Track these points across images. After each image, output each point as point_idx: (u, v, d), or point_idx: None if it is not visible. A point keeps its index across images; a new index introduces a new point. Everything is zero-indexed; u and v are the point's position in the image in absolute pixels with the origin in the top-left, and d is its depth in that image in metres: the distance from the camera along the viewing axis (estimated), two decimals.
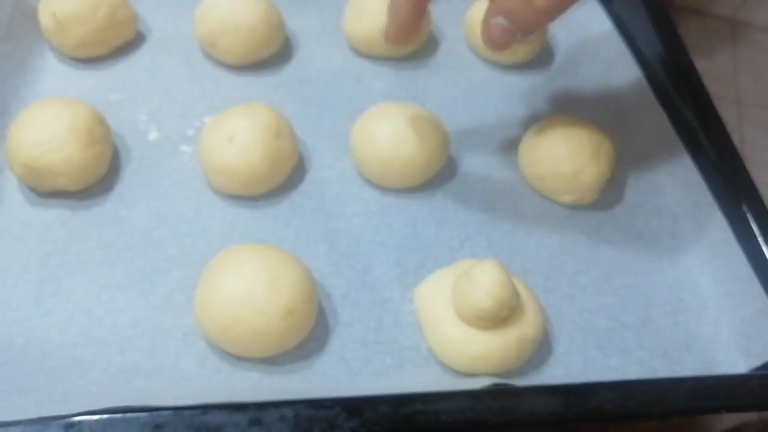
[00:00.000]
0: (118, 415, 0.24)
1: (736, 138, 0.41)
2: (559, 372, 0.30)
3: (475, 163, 0.37)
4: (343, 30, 0.41)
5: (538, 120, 0.36)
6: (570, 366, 0.30)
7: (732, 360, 0.30)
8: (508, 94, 0.40)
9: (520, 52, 0.41)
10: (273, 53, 0.40)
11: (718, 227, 0.33)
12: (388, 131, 0.34)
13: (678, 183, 0.36)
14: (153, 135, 0.36)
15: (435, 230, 0.34)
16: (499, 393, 0.26)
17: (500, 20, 0.28)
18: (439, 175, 0.36)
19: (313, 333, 0.30)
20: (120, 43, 0.39)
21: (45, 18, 0.37)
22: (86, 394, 0.27)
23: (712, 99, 0.37)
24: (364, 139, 0.34)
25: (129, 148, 0.36)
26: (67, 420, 0.24)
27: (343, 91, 0.39)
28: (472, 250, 0.33)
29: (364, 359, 0.29)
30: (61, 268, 0.31)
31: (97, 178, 0.34)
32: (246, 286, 0.28)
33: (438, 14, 0.43)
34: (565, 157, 0.34)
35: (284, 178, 0.35)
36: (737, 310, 0.31)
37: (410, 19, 0.29)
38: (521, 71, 0.42)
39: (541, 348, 0.30)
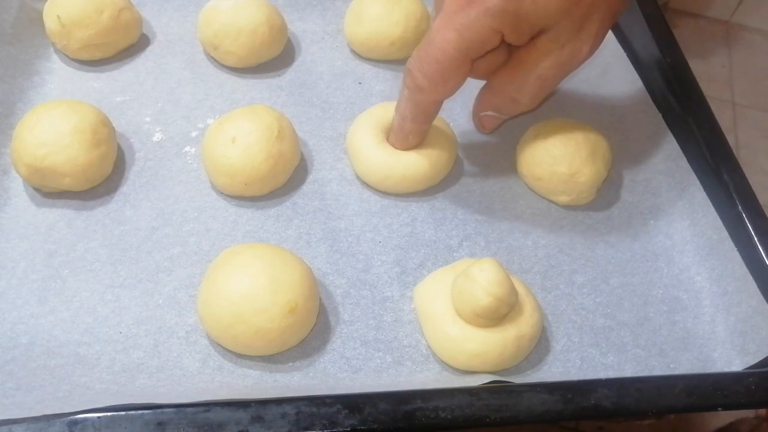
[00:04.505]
0: (122, 413, 0.24)
1: (731, 139, 0.42)
2: (556, 369, 0.30)
3: (474, 164, 0.37)
4: (344, 33, 0.42)
5: (535, 122, 0.37)
6: (567, 364, 0.30)
7: (728, 358, 0.31)
8: None
9: None
10: (275, 56, 0.40)
11: (713, 227, 0.34)
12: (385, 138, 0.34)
13: (673, 183, 0.37)
14: (157, 136, 0.37)
15: (434, 230, 0.34)
16: (497, 390, 0.26)
17: (490, 113, 0.33)
18: None
19: (314, 331, 0.30)
20: (124, 45, 0.40)
21: (50, 21, 0.38)
22: (90, 392, 0.27)
23: (707, 100, 0.37)
24: (362, 144, 0.35)
25: (133, 149, 0.36)
26: (71, 417, 0.24)
27: (344, 93, 0.40)
28: (470, 249, 0.34)
29: (364, 357, 0.30)
30: (66, 267, 0.31)
31: (102, 178, 0.34)
32: (248, 284, 0.28)
33: None
34: (562, 158, 0.34)
35: (286, 179, 0.35)
36: (733, 309, 0.32)
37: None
38: None
39: (539, 346, 0.30)
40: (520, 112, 0.33)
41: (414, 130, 0.33)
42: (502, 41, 0.29)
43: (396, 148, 0.34)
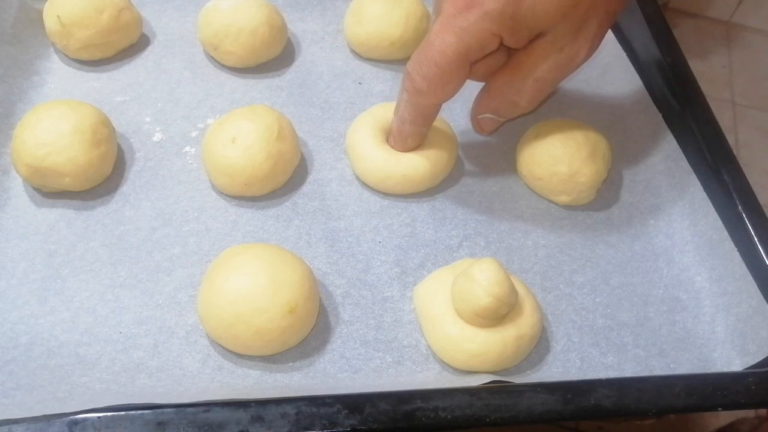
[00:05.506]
0: (122, 413, 0.24)
1: (731, 139, 0.42)
2: (556, 370, 0.30)
3: (474, 164, 0.37)
4: (344, 33, 0.42)
5: (535, 122, 0.37)
6: (567, 364, 0.30)
7: (728, 358, 0.31)
8: None
9: None
10: (275, 56, 0.40)
11: (713, 227, 0.34)
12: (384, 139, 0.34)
13: (673, 183, 0.37)
14: (157, 136, 0.37)
15: (434, 230, 0.34)
16: (497, 390, 0.26)
17: (489, 115, 0.33)
18: None
19: (314, 331, 0.30)
20: (124, 45, 0.40)
21: (50, 21, 0.38)
22: (90, 392, 0.27)
23: (707, 100, 0.37)
24: (362, 145, 0.35)
25: (133, 149, 0.36)
26: (71, 417, 0.24)
27: (344, 93, 0.40)
28: (470, 249, 0.34)
29: (364, 357, 0.30)
30: (66, 267, 0.31)
31: (102, 178, 0.34)
32: (248, 284, 0.28)
33: None
34: (562, 158, 0.34)
35: (286, 179, 0.35)
36: (733, 309, 0.32)
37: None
38: None
39: (539, 346, 0.30)
40: (519, 114, 0.34)
41: (413, 132, 0.33)
42: (501, 44, 0.29)
43: (395, 150, 0.34)
